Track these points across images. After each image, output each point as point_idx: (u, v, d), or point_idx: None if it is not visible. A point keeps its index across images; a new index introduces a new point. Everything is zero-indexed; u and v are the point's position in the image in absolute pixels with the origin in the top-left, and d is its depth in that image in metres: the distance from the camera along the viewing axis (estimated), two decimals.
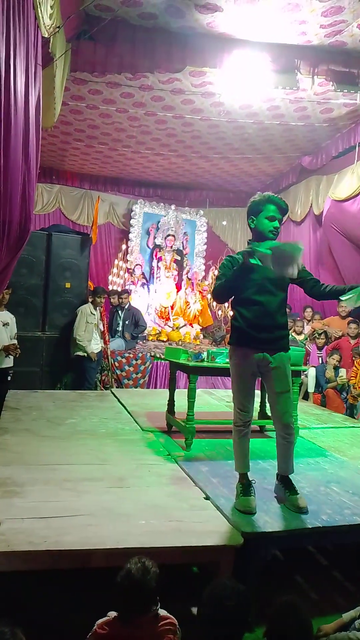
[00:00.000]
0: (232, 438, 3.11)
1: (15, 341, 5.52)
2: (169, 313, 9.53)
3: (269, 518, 2.80)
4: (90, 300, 6.82)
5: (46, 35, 3.69)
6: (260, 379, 3.15)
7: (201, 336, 9.34)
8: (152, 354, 7.52)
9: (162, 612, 1.95)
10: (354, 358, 6.30)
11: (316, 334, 7.24)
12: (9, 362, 5.39)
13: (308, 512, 2.88)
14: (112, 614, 1.93)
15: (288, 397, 3.02)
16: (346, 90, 5.61)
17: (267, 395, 3.24)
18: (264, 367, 3.00)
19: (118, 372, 7.20)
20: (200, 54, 5.21)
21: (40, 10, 3.36)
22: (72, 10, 4.36)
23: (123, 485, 3.20)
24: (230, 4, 4.63)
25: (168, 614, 1.95)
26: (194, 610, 2.39)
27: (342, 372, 6.45)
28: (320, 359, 7.07)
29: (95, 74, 5.75)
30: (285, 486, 3.06)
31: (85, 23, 4.88)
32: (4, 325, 5.35)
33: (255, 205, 3.08)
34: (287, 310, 3.20)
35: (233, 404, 3.12)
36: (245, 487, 3.00)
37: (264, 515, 2.82)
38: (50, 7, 3.60)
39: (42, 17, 3.43)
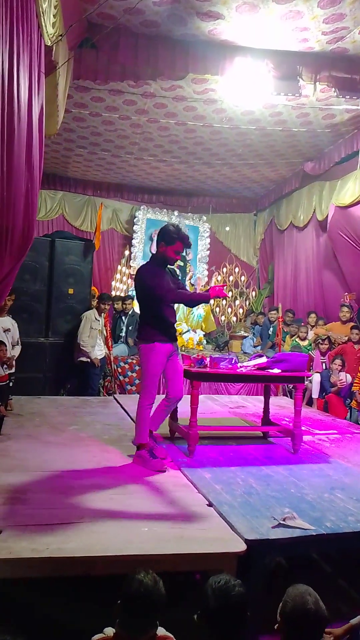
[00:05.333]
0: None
1: (19, 348, 5.52)
2: None
3: (272, 524, 2.78)
4: (94, 306, 6.82)
5: (49, 44, 3.72)
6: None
7: (204, 342, 9.33)
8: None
9: (161, 630, 1.88)
10: None
11: (319, 340, 7.22)
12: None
13: None
14: (109, 630, 1.87)
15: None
16: (348, 97, 5.62)
17: None
18: None
19: (121, 378, 7.20)
20: (202, 61, 5.24)
21: (43, 19, 3.39)
22: (74, 19, 4.39)
23: (126, 492, 3.19)
24: (232, 12, 4.66)
25: (167, 634, 1.89)
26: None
27: (342, 375, 6.44)
28: (323, 364, 7.05)
29: (98, 82, 5.78)
30: None
31: (88, 31, 4.92)
32: (5, 332, 5.35)
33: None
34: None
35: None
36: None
37: (267, 522, 2.81)
38: (53, 15, 3.63)
39: (45, 26, 3.46)
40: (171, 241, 3.77)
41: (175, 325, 3.97)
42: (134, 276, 3.98)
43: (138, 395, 7.06)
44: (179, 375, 3.90)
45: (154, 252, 3.95)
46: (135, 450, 3.79)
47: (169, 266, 3.97)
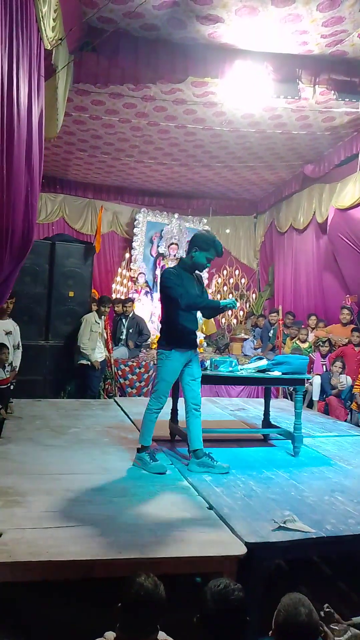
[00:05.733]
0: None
1: (20, 352, 5.53)
2: None
3: (273, 527, 2.78)
4: (94, 309, 6.83)
5: (49, 47, 3.73)
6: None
7: (205, 344, 9.32)
8: (156, 362, 7.50)
9: (162, 635, 1.86)
10: None
11: (320, 342, 7.22)
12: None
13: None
14: (110, 635, 1.85)
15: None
16: (347, 99, 5.63)
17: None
18: None
19: (121, 380, 7.20)
20: (202, 65, 5.24)
21: (43, 23, 3.40)
22: (74, 23, 4.40)
23: (126, 494, 3.18)
24: (232, 15, 4.67)
25: (167, 638, 1.87)
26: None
27: (343, 377, 6.43)
28: (324, 366, 7.05)
29: (98, 85, 5.79)
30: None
31: (88, 35, 4.92)
32: (6, 334, 5.36)
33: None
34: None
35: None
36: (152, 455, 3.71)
37: (268, 525, 2.80)
38: (53, 19, 3.65)
39: (45, 30, 3.47)
40: (206, 247, 3.73)
41: (195, 332, 3.91)
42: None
43: (138, 398, 7.10)
44: (196, 381, 3.86)
45: (184, 257, 3.86)
46: (136, 452, 3.78)
47: (196, 272, 3.90)
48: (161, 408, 3.79)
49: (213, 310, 3.99)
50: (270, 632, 1.75)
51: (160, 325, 3.92)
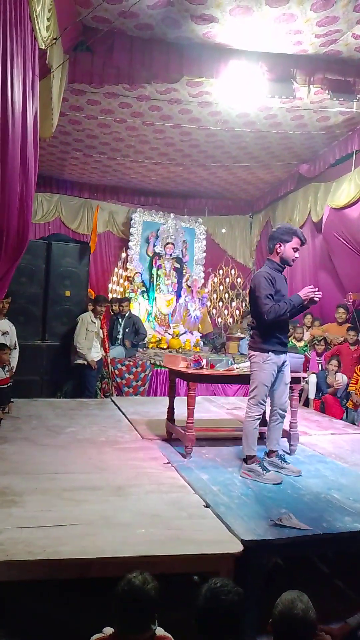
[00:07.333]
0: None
1: (17, 352, 5.53)
2: (168, 321, 9.54)
3: (269, 525, 2.78)
4: (90, 308, 6.83)
5: (43, 47, 3.73)
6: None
7: (201, 343, 9.34)
8: (152, 361, 7.52)
9: (160, 630, 1.87)
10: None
11: (315, 341, 7.24)
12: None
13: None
14: (108, 630, 1.86)
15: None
16: (342, 99, 5.64)
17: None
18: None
19: (118, 380, 7.19)
20: (197, 64, 5.25)
21: (37, 22, 3.40)
22: (69, 22, 4.40)
23: (122, 494, 3.19)
24: (226, 15, 4.67)
25: (166, 634, 1.88)
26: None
27: (339, 376, 6.45)
28: (320, 365, 7.06)
29: (93, 85, 5.79)
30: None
31: (83, 34, 4.92)
32: (3, 334, 5.35)
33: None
34: None
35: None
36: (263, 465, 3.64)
37: (264, 523, 2.81)
38: (47, 19, 3.64)
39: (39, 29, 3.47)
40: (289, 238, 3.63)
41: (287, 335, 3.80)
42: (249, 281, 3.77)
43: (135, 397, 7.10)
44: (285, 386, 3.78)
45: (269, 257, 3.72)
46: (243, 464, 3.68)
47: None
48: (262, 414, 3.68)
49: (299, 310, 3.67)
50: (268, 626, 1.77)
51: (252, 328, 3.75)
